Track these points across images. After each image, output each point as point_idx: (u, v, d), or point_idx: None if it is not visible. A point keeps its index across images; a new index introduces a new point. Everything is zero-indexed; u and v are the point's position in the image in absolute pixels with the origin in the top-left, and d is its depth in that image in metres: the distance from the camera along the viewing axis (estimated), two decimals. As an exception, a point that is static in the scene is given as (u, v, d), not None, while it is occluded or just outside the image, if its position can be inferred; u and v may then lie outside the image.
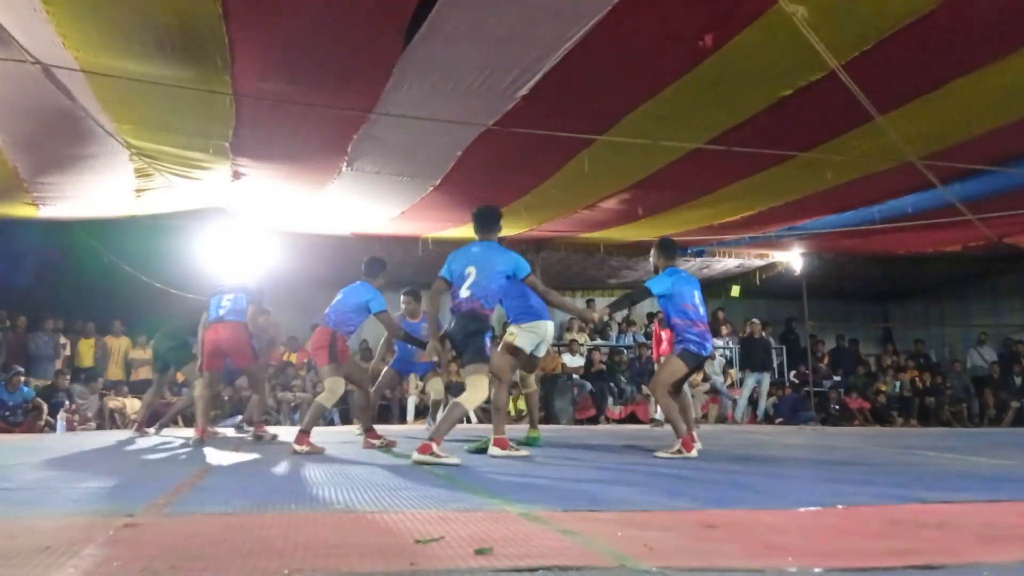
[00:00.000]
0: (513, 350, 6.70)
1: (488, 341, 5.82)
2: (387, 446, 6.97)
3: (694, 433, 6.49)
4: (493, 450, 6.01)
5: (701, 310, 6.43)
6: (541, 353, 7.03)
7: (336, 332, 6.87)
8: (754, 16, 5.62)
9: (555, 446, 7.29)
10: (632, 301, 6.75)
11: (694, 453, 6.09)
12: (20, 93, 6.95)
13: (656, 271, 6.60)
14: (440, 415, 7.27)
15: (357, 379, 7.48)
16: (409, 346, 8.05)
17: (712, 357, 14.87)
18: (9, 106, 7.27)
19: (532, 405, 7.67)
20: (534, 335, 6.73)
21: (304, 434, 6.44)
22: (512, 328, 6.75)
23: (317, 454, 6.24)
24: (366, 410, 7.51)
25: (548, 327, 6.82)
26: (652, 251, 6.74)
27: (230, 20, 5.51)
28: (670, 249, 6.72)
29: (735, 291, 16.27)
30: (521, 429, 8.10)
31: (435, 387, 9.17)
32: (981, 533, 2.79)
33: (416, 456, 5.20)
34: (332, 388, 6.78)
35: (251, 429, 8.52)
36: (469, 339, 5.68)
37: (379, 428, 7.52)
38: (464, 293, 5.75)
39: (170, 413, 9.52)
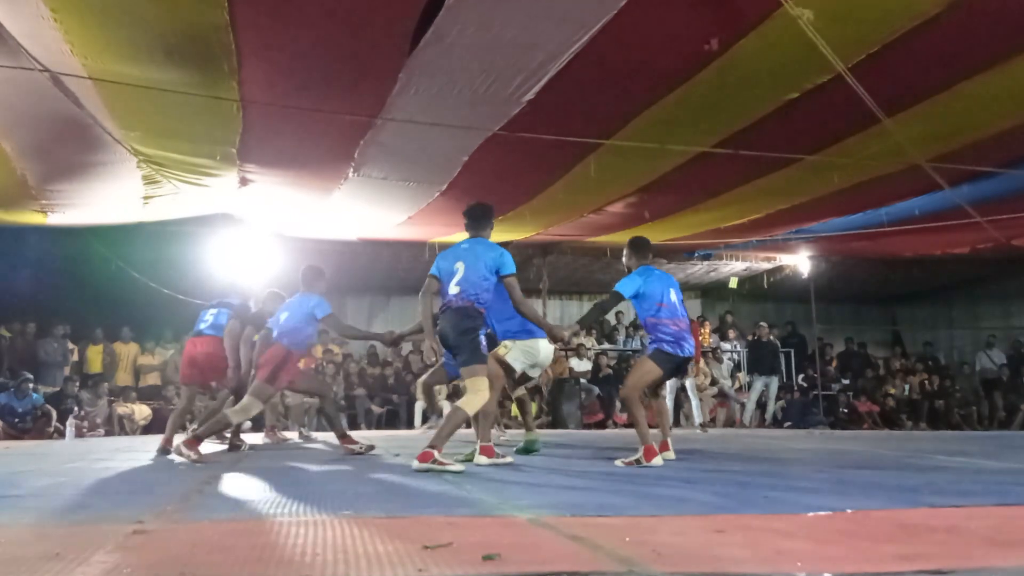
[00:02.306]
0: (504, 364, 6.40)
1: (483, 339, 5.59)
2: (367, 450, 6.82)
3: (668, 440, 6.21)
4: (479, 459, 5.71)
5: (679, 308, 6.03)
6: (534, 375, 6.84)
7: (291, 352, 6.63)
8: (760, 19, 5.63)
9: (563, 451, 7.27)
10: (603, 309, 6.37)
11: (658, 461, 5.59)
12: (28, 101, 6.98)
13: (629, 271, 6.24)
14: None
15: (318, 390, 7.55)
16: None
17: (720, 360, 14.96)
18: (17, 114, 7.30)
19: (524, 410, 7.49)
20: (528, 354, 6.45)
21: (196, 440, 6.15)
22: (506, 342, 6.45)
23: (201, 463, 5.93)
24: (336, 418, 7.42)
25: (542, 347, 6.47)
26: (624, 251, 6.41)
27: (237, 28, 5.54)
28: (642, 248, 6.31)
29: (733, 282, 16.21)
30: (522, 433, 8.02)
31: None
32: (991, 537, 2.78)
33: (417, 464, 5.03)
34: (247, 406, 6.41)
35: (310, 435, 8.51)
36: (462, 337, 5.43)
37: (387, 433, 7.51)
38: (453, 289, 5.52)
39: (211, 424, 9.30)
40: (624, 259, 6.37)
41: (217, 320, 7.38)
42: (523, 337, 6.38)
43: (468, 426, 6.30)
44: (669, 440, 6.27)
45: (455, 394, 12.87)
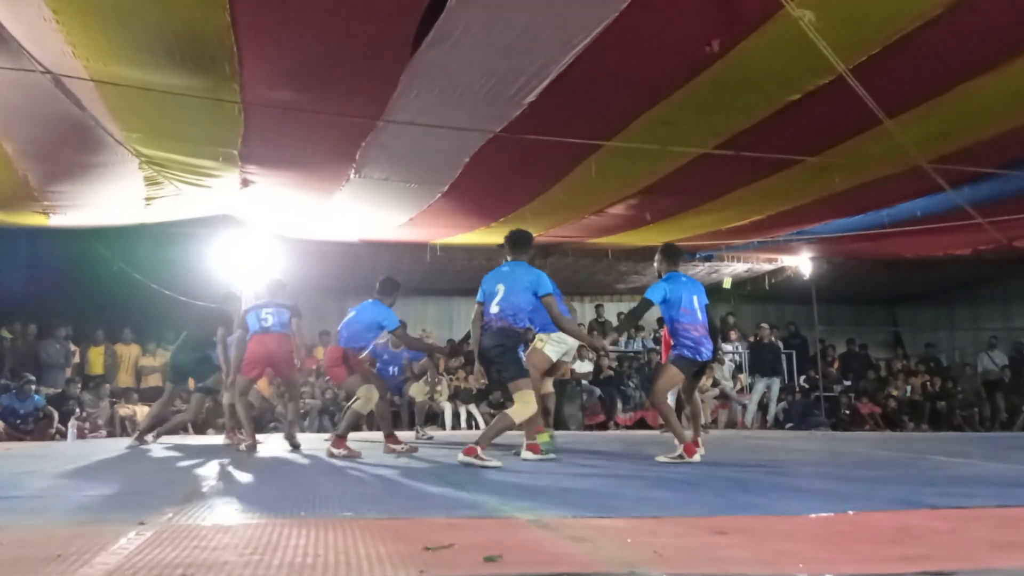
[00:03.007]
0: (541, 357, 6.98)
1: (523, 355, 6.23)
2: (409, 451, 7.22)
3: (699, 439, 6.52)
4: (525, 454, 6.29)
5: (699, 315, 6.42)
6: (567, 359, 7.45)
7: (347, 349, 7.23)
8: (761, 21, 5.63)
9: (565, 452, 7.27)
10: (636, 316, 6.99)
11: (696, 458, 6.08)
12: (30, 103, 6.98)
13: (659, 276, 6.71)
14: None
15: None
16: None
17: (721, 362, 14.93)
18: (19, 115, 7.31)
19: (547, 408, 7.74)
20: (562, 345, 7.00)
21: (341, 439, 6.80)
22: (541, 335, 6.98)
23: (355, 457, 6.58)
24: (387, 417, 7.80)
25: (569, 338, 6.96)
26: (656, 256, 6.86)
27: (238, 29, 5.54)
28: (672, 255, 6.82)
29: (727, 282, 16.19)
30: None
31: (418, 393, 9.93)
32: (993, 539, 2.78)
33: (461, 457, 5.57)
34: (367, 396, 7.11)
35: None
36: (505, 354, 5.93)
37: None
38: (494, 309, 5.97)
39: (173, 422, 9.46)
40: (655, 264, 6.83)
41: (279, 319, 7.77)
42: (552, 330, 6.77)
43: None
44: (700, 439, 6.59)
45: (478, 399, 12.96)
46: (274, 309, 7.84)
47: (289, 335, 7.83)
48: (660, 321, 15.01)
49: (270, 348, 7.70)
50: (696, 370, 6.54)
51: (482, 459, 5.51)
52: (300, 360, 8.14)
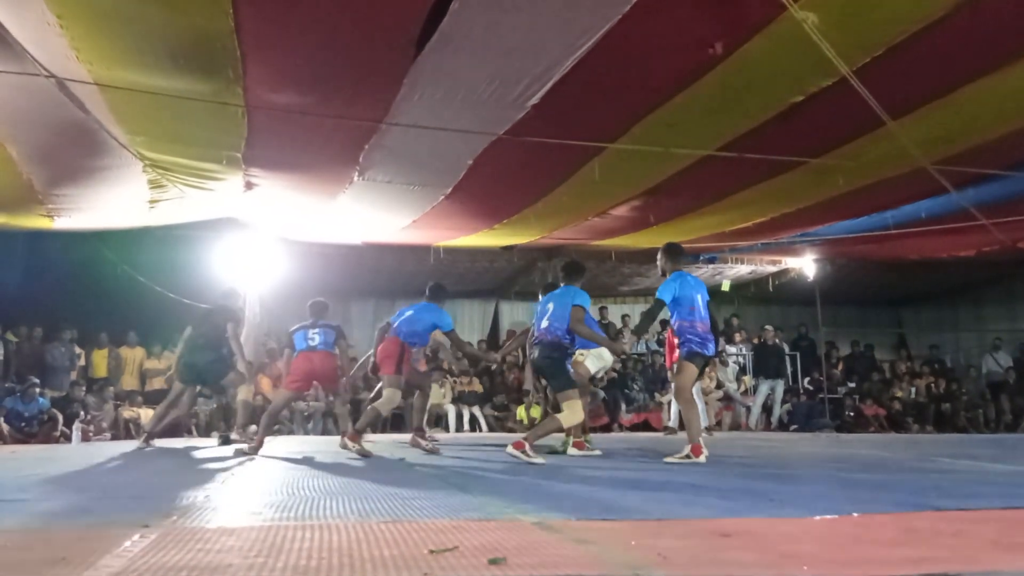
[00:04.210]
0: (582, 370, 7.73)
1: (569, 366, 6.85)
2: (432, 451, 7.53)
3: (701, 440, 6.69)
4: (571, 451, 7.35)
5: (703, 312, 6.68)
6: (601, 373, 8.54)
7: (405, 344, 7.73)
8: (764, 23, 5.62)
9: (568, 454, 7.29)
10: (652, 317, 7.12)
11: (703, 458, 6.25)
12: (34, 106, 7.00)
13: (664, 275, 6.97)
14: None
15: (419, 384, 8.62)
16: None
17: (725, 364, 14.93)
18: (23, 119, 7.32)
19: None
20: (600, 360, 7.91)
21: (357, 434, 7.17)
22: (581, 351, 7.59)
23: (366, 456, 6.83)
24: (422, 411, 8.70)
25: (605, 352, 7.72)
26: (659, 255, 7.11)
27: (242, 33, 5.54)
28: (675, 254, 7.07)
29: (725, 285, 16.16)
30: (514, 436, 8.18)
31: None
32: (998, 540, 2.77)
33: (510, 450, 6.13)
34: (390, 398, 7.56)
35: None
36: (554, 365, 6.58)
37: (393, 437, 7.57)
38: (544, 324, 6.67)
39: (164, 422, 9.45)
40: (659, 263, 7.11)
41: (325, 339, 8.26)
42: (592, 346, 7.48)
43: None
44: (702, 440, 6.75)
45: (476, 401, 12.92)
46: (320, 330, 8.31)
47: (334, 354, 8.32)
48: (664, 323, 15.07)
49: (315, 365, 8.13)
50: (704, 364, 6.83)
51: (528, 455, 6.04)
52: (345, 374, 8.84)
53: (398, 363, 7.63)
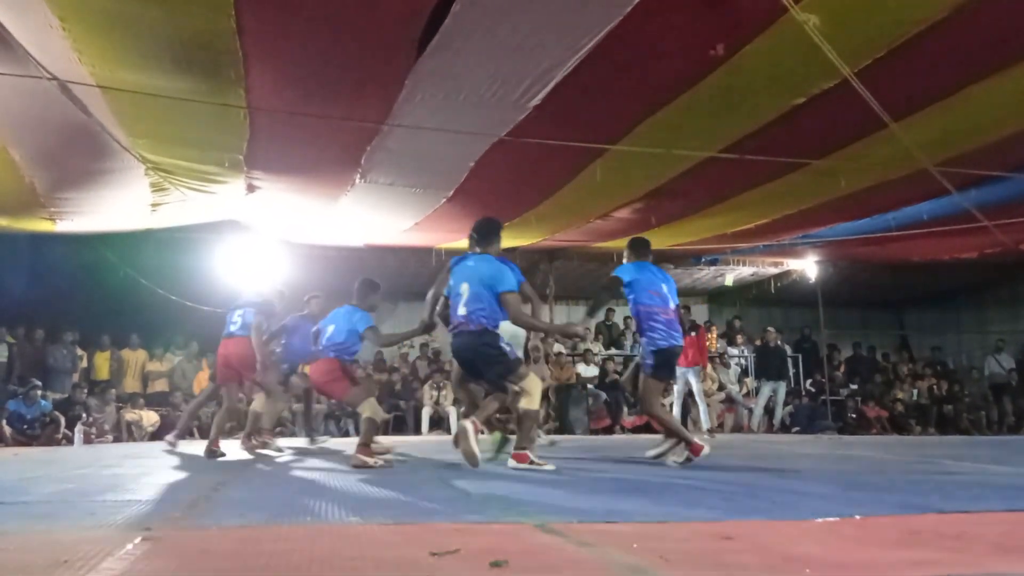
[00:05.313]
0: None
1: (504, 344, 5.78)
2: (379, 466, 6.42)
3: (699, 441, 6.18)
4: (511, 463, 5.73)
5: (670, 300, 6.18)
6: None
7: (340, 359, 6.62)
8: (766, 25, 5.63)
9: (570, 456, 7.26)
10: (606, 290, 6.62)
11: (706, 452, 5.97)
12: (37, 109, 7.02)
13: None
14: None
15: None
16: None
17: (727, 365, 14.93)
18: (26, 122, 7.34)
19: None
20: (513, 339, 6.51)
21: (365, 447, 6.24)
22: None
23: (377, 467, 6.00)
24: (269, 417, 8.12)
25: (512, 327, 6.24)
26: (624, 252, 6.68)
27: (244, 34, 5.55)
28: (639, 247, 6.61)
29: (728, 280, 16.17)
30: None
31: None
32: (1000, 543, 2.77)
33: (513, 464, 5.50)
34: (374, 408, 6.50)
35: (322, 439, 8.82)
36: (488, 351, 5.71)
37: (394, 439, 7.54)
38: (461, 311, 5.73)
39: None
40: (624, 259, 6.62)
41: (245, 320, 7.60)
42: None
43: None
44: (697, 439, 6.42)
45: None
46: (244, 310, 7.67)
47: (250, 338, 7.52)
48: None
49: (229, 351, 7.56)
50: (673, 359, 6.28)
51: (537, 463, 5.48)
52: (261, 361, 7.63)
53: (349, 379, 6.61)
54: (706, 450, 6.00)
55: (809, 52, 5.68)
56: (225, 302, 9.25)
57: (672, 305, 6.18)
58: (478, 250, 5.90)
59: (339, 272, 13.62)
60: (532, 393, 5.71)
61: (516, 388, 5.70)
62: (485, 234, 5.96)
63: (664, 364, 6.14)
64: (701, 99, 6.74)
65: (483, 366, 5.76)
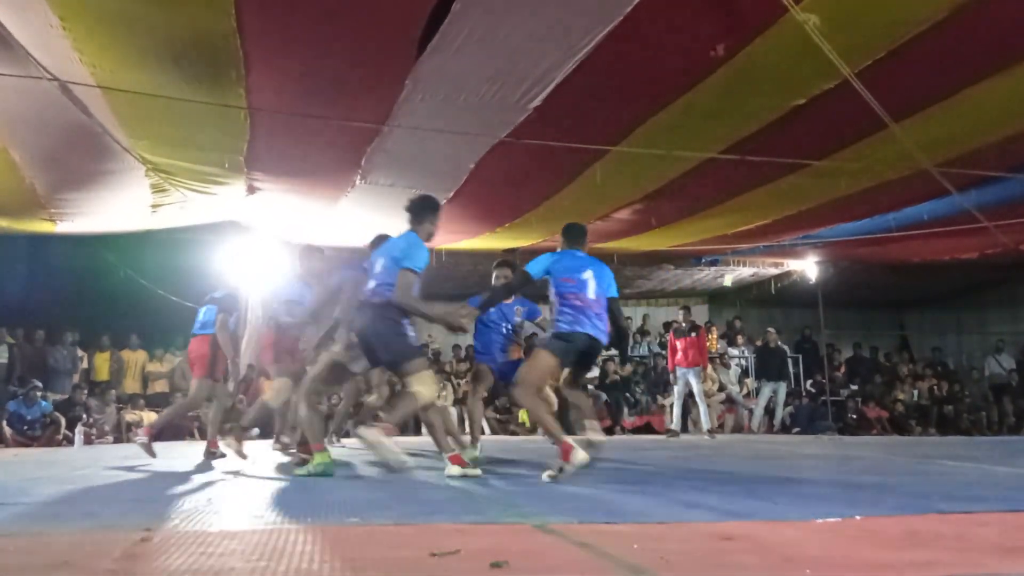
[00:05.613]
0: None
1: (409, 329, 5.26)
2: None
3: (570, 440, 5.06)
4: (451, 469, 5.20)
5: (591, 288, 5.42)
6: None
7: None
8: (766, 25, 5.63)
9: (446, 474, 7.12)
10: (510, 290, 6.13)
11: (579, 458, 4.81)
12: (37, 110, 7.01)
13: None
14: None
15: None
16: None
17: (727, 366, 14.92)
18: (26, 123, 7.34)
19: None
20: None
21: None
22: None
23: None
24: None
25: None
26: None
27: (244, 34, 5.56)
28: (570, 233, 6.00)
29: (728, 280, 16.17)
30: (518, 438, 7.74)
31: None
32: (1000, 544, 2.77)
33: (451, 471, 5.07)
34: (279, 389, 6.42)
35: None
36: (387, 332, 5.15)
37: (394, 440, 7.48)
38: (371, 284, 5.31)
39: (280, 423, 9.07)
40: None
41: (205, 317, 7.41)
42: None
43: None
44: (591, 434, 5.69)
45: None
46: (206, 307, 7.44)
47: (209, 336, 7.30)
48: (666, 326, 15.07)
49: (191, 351, 7.43)
50: (578, 350, 5.39)
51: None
52: (230, 361, 7.44)
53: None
54: (579, 457, 4.85)
55: (809, 52, 5.68)
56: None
57: (595, 294, 5.43)
58: (407, 228, 5.40)
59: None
60: (423, 392, 5.13)
61: (407, 382, 5.20)
62: (416, 211, 5.41)
63: (561, 346, 5.32)
64: (701, 100, 6.74)
65: (379, 346, 5.18)
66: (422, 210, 5.41)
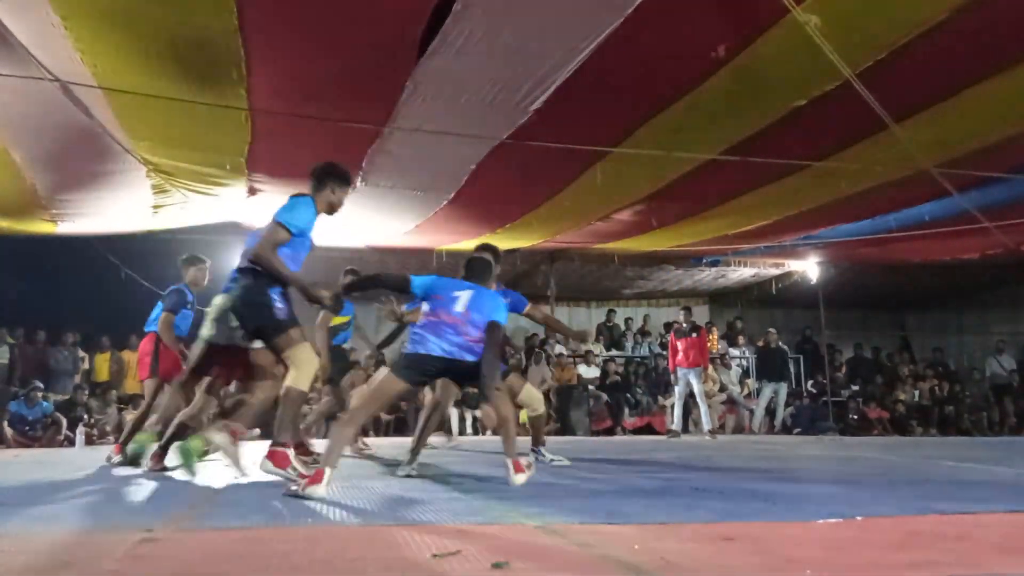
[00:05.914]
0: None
1: (277, 300, 4.90)
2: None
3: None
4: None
5: (461, 307, 4.79)
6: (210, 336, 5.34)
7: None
8: (767, 26, 5.63)
9: (572, 458, 7.25)
10: (377, 282, 5.72)
11: (318, 492, 3.96)
12: (38, 111, 7.01)
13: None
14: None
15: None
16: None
17: (728, 367, 14.92)
18: (27, 124, 7.33)
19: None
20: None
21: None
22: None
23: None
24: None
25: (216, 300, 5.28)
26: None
27: (246, 34, 5.56)
28: (468, 268, 5.37)
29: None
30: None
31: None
32: (1001, 544, 2.77)
33: (266, 466, 4.81)
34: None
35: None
36: (263, 305, 4.85)
37: (395, 441, 7.50)
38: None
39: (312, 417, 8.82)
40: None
41: (154, 314, 7.26)
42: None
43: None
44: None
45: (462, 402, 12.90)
46: (160, 302, 7.22)
47: (153, 333, 7.02)
48: (667, 326, 15.07)
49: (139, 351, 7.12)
50: (423, 370, 4.78)
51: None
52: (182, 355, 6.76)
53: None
54: (319, 490, 3.97)
55: (810, 53, 5.68)
56: None
57: (464, 311, 4.78)
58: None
59: (341, 273, 13.64)
60: (301, 368, 4.69)
61: (285, 359, 4.72)
62: (319, 176, 5.17)
63: (401, 370, 4.71)
64: (702, 101, 6.74)
65: (248, 317, 4.76)
66: (324, 175, 5.14)
